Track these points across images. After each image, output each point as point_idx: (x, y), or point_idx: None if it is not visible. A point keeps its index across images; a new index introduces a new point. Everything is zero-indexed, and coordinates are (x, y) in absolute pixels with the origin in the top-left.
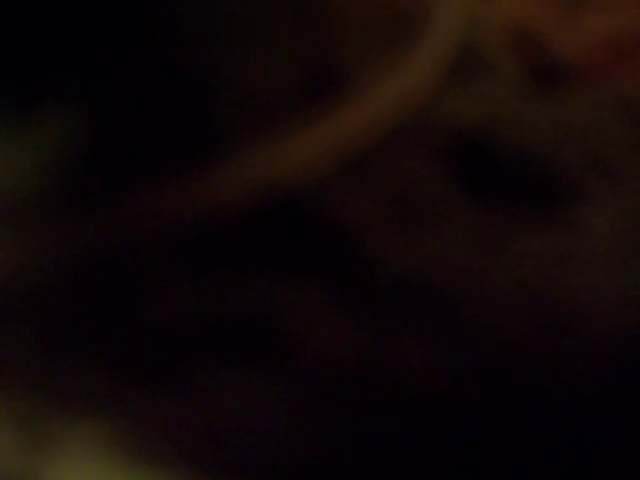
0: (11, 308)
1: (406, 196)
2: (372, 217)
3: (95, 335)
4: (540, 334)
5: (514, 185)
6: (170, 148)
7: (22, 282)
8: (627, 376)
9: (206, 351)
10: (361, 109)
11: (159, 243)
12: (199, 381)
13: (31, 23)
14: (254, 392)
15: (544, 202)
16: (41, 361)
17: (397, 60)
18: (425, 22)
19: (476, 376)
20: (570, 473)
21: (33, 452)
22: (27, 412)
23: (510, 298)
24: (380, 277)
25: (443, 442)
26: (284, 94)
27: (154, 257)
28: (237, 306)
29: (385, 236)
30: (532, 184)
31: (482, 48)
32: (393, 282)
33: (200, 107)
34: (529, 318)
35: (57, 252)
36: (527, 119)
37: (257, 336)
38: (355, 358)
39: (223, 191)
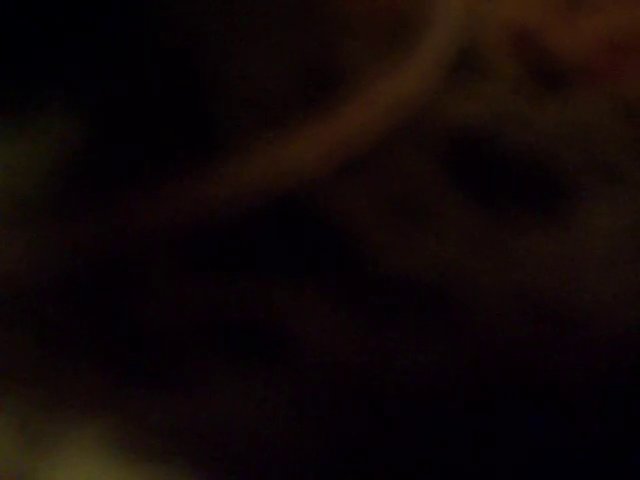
0: (11, 308)
1: (405, 196)
2: (371, 217)
3: (95, 335)
4: (540, 333)
5: (514, 185)
6: (170, 148)
7: (22, 282)
8: (627, 375)
9: (206, 351)
10: (361, 109)
11: (159, 243)
12: (199, 381)
13: (31, 23)
14: (254, 392)
15: (544, 202)
16: (41, 361)
17: (397, 60)
18: (425, 22)
19: (476, 375)
20: (570, 472)
21: (33, 452)
22: (27, 412)
23: (510, 297)
24: (380, 277)
25: (444, 441)
26: (284, 94)
27: (154, 257)
28: (237, 306)
29: (384, 236)
30: (532, 184)
31: (482, 48)
32: (393, 282)
33: (200, 107)
34: (529, 317)
35: (57, 252)
36: (527, 119)
37: (257, 336)
38: (355, 358)
39: (223, 191)
